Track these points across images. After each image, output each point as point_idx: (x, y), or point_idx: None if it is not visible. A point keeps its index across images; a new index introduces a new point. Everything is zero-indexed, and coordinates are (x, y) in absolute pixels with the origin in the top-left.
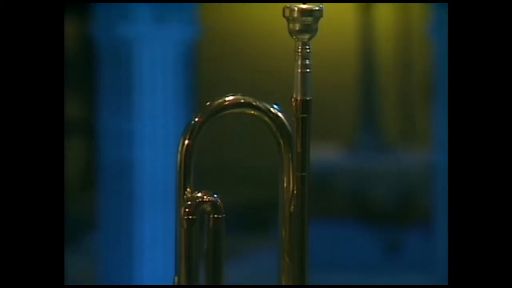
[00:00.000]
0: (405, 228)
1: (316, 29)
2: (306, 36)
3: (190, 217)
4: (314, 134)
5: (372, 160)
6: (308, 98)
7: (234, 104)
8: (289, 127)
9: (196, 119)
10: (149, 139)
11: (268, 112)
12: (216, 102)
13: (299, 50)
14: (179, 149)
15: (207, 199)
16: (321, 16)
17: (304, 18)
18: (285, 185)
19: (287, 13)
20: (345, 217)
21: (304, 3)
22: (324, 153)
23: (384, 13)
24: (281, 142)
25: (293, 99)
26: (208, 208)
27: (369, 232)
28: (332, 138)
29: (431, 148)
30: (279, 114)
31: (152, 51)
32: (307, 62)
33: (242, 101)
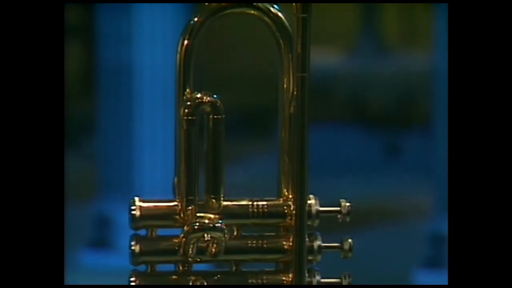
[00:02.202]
0: (405, 130)
1: None
2: None
3: (190, 117)
4: (314, 38)
5: (372, 64)
6: None
7: (234, 4)
8: (289, 27)
9: (196, 19)
10: (148, 40)
11: (268, 12)
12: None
13: None
14: (178, 49)
15: (206, 100)
16: None
17: None
18: (285, 86)
19: None
20: (345, 120)
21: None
22: (324, 58)
23: None
24: (281, 43)
25: None
26: (207, 108)
27: (369, 135)
28: (332, 42)
29: (431, 50)
30: (279, 14)
31: None
32: None
33: None
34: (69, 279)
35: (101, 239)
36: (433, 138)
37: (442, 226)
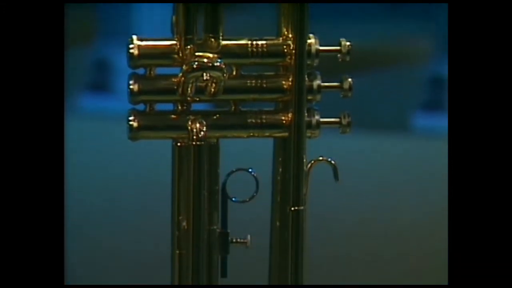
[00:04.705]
0: None
1: None
2: None
3: None
4: None
5: None
6: None
7: None
8: None
9: None
10: None
11: None
12: None
13: None
14: None
15: None
16: None
17: None
18: None
19: None
20: None
21: None
22: None
23: None
24: None
25: None
26: None
27: None
28: None
29: None
30: None
31: None
32: None
33: None
34: (68, 123)
35: (100, 83)
36: None
37: (442, 68)
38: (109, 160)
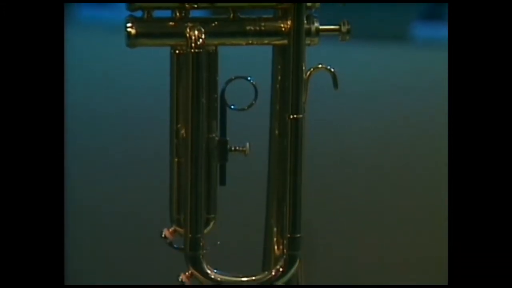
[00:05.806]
0: None
1: None
2: None
3: None
4: None
5: None
6: None
7: None
8: None
9: None
10: None
11: None
12: None
13: None
14: None
15: None
16: None
17: None
18: None
19: None
20: None
21: None
22: None
23: None
24: None
25: None
26: None
27: None
28: None
29: None
30: None
31: None
32: None
33: None
34: (68, 34)
35: None
36: None
37: None
38: (108, 70)
